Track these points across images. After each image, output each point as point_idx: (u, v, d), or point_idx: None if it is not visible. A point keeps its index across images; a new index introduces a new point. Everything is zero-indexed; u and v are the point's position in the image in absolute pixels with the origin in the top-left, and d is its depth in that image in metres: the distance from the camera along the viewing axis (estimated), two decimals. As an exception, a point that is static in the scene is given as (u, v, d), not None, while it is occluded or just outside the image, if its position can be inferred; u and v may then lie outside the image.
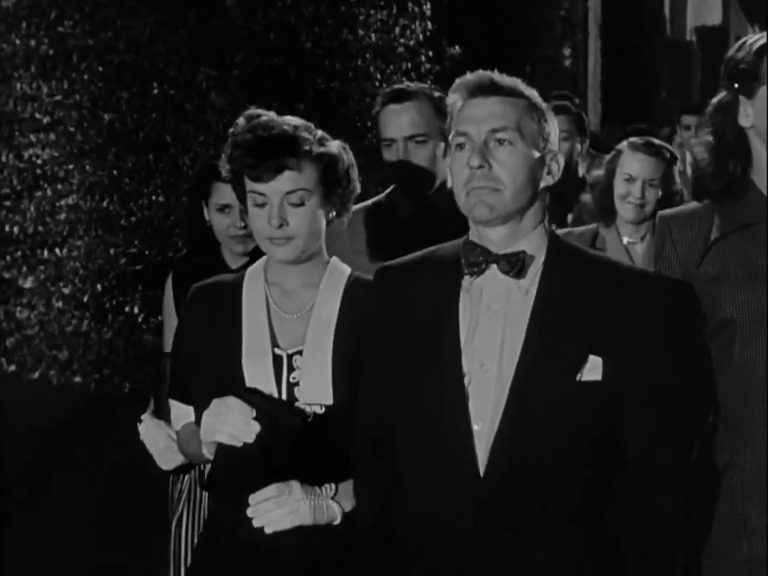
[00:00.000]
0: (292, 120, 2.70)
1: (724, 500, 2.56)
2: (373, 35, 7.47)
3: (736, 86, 2.52)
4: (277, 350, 2.69)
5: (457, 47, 8.40)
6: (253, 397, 2.59)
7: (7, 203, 7.55)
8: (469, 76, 2.53)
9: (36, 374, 7.40)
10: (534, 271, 2.48)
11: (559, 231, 4.69)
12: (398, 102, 3.64)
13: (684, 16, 25.17)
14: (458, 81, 2.53)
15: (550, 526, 2.43)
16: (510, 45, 11.16)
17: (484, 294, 2.47)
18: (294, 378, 2.66)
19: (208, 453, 2.68)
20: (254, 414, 2.53)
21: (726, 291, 2.53)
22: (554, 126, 2.52)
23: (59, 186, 7.31)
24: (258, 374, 2.66)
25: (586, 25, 16.16)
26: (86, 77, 6.96)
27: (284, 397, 2.65)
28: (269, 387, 2.65)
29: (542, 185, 2.50)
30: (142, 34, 6.79)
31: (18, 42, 7.14)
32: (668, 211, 2.71)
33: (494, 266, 2.46)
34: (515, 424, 2.40)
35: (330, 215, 2.73)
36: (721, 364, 2.57)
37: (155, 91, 6.87)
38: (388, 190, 3.80)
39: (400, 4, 7.73)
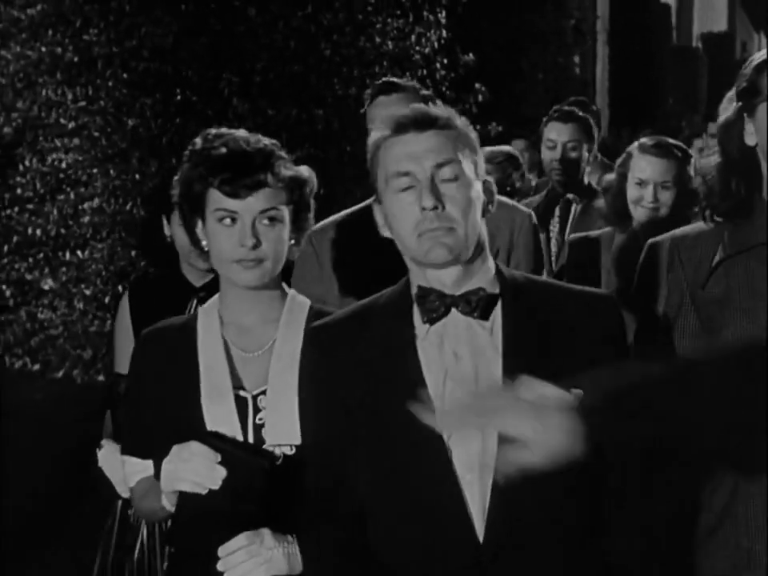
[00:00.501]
0: (263, 138, 2.57)
1: (728, 529, 2.45)
2: (389, 43, 7.61)
3: (739, 104, 2.43)
4: (241, 392, 2.53)
5: (471, 55, 8.50)
6: (217, 441, 2.43)
7: (30, 206, 7.69)
8: (397, 112, 2.38)
9: (60, 373, 7.54)
10: (495, 308, 2.32)
11: (576, 235, 4.67)
12: (387, 94, 3.53)
13: (690, 23, 25.30)
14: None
15: (546, 561, 2.27)
16: (523, 52, 11.30)
17: (446, 341, 2.30)
18: (260, 420, 2.51)
19: (170, 505, 2.52)
20: (219, 459, 2.37)
21: (729, 314, 2.44)
22: (480, 154, 2.39)
23: (82, 190, 7.45)
24: (220, 417, 2.51)
25: (594, 32, 16.30)
26: (110, 83, 7.11)
27: (251, 439, 2.50)
28: (233, 431, 2.50)
29: (486, 215, 2.36)
30: (165, 41, 6.93)
31: (43, 49, 7.28)
32: (676, 232, 2.59)
33: (453, 310, 2.30)
34: (510, 477, 2.17)
35: (292, 242, 2.58)
36: None
37: (178, 97, 7.03)
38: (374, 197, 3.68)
39: (416, 13, 7.87)
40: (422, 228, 2.26)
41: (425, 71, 7.92)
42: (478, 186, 2.32)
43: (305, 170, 2.59)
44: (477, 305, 2.29)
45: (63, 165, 7.50)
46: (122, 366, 3.52)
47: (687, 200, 4.00)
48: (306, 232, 2.62)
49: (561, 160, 5.30)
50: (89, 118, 7.23)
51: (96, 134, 7.22)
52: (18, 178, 7.71)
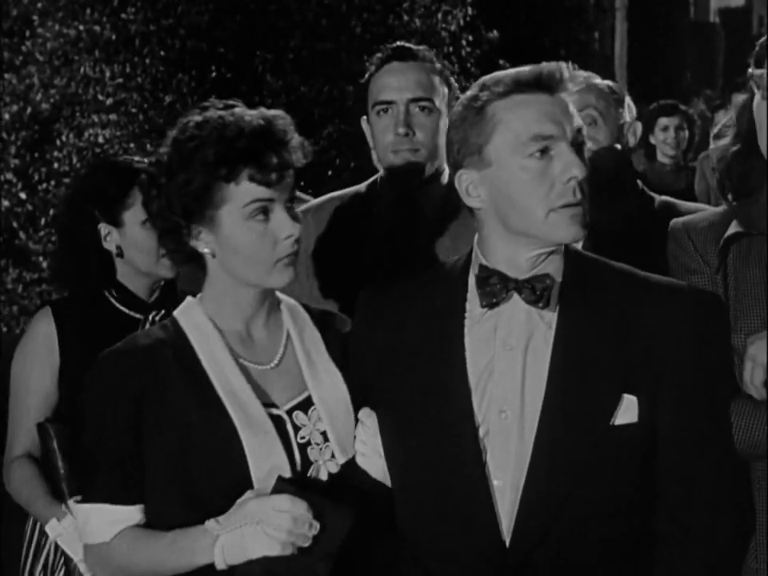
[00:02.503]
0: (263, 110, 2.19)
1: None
2: (417, 20, 7.81)
3: (752, 83, 2.32)
4: (274, 411, 2.18)
5: (495, 32, 8.69)
6: (294, 487, 2.09)
7: (67, 180, 7.86)
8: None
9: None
10: (554, 297, 2.10)
11: None
12: (403, 61, 2.95)
13: (708, -2, 25.31)
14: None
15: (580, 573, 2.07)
16: (545, 30, 11.48)
17: (499, 328, 2.09)
18: (302, 438, 2.18)
19: (224, 563, 2.10)
20: (313, 512, 2.05)
21: (742, 314, 2.25)
22: None
23: (117, 164, 7.65)
24: (260, 444, 2.14)
25: (613, 9, 16.42)
26: (147, 60, 7.32)
27: (298, 462, 2.17)
28: (279, 459, 2.15)
29: None
30: (201, 20, 7.15)
31: (81, 27, 7.49)
32: (683, 219, 2.40)
33: (515, 295, 2.08)
34: (543, 482, 2.04)
35: None
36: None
37: (213, 74, 7.24)
38: (372, 179, 3.08)
39: (442, -9, 8.09)
40: (560, 201, 2.03)
41: (451, 48, 8.11)
42: None
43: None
44: (542, 294, 2.07)
45: (100, 140, 7.68)
46: (40, 408, 2.91)
47: None
48: None
49: None
50: (126, 95, 7.43)
51: (133, 110, 7.42)
52: (55, 153, 7.85)
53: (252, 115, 2.14)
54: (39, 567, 2.89)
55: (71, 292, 3.04)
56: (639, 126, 3.10)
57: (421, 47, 3.02)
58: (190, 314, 2.23)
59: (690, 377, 2.08)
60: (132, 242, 2.92)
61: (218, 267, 2.20)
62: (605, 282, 2.12)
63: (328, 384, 2.23)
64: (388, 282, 2.30)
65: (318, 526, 2.04)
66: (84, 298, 2.97)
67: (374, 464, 2.21)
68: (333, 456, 2.20)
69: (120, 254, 2.94)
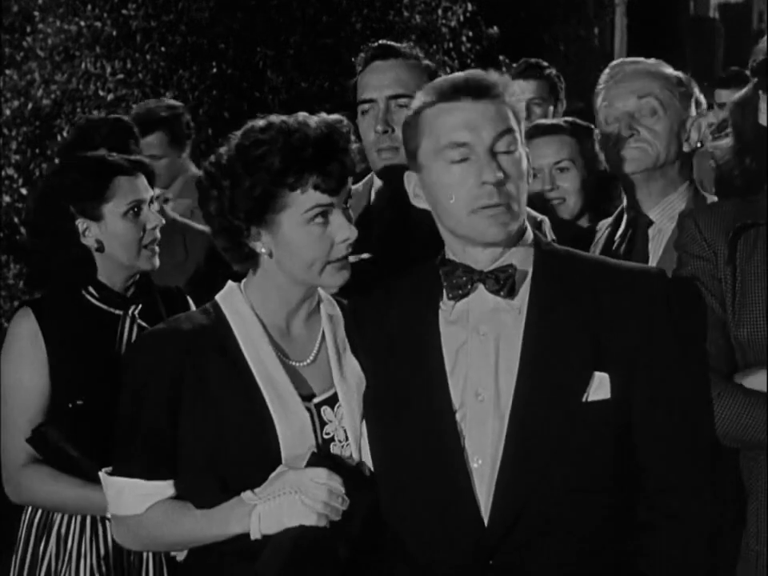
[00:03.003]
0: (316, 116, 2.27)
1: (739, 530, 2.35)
2: (417, 16, 7.82)
3: (755, 80, 2.37)
4: (305, 404, 2.26)
5: (495, 28, 8.70)
6: (327, 462, 2.18)
7: (68, 176, 7.90)
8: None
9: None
10: (524, 286, 2.19)
11: None
12: (385, 59, 2.98)
13: (708, -7, 25.30)
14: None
15: (569, 567, 2.14)
16: (545, 25, 11.50)
17: (471, 317, 2.19)
18: (327, 434, 2.26)
19: (259, 533, 2.17)
20: (345, 487, 2.15)
21: (745, 308, 2.31)
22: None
23: (118, 160, 7.66)
24: (293, 433, 2.22)
25: (613, 4, 16.43)
26: (148, 56, 7.33)
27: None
28: (308, 447, 2.23)
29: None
30: (201, 15, 7.17)
31: (82, 23, 7.49)
32: (691, 208, 2.43)
33: (480, 286, 2.18)
34: (518, 460, 2.11)
35: None
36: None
37: (214, 70, 7.26)
38: (368, 177, 3.14)
39: (442, -14, 8.09)
40: (478, 204, 2.14)
41: (451, 44, 8.12)
42: (525, 157, 2.21)
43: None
44: (504, 283, 2.16)
45: (101, 135, 7.69)
46: (38, 408, 2.83)
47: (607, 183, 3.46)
48: None
49: None
50: (127, 91, 7.43)
51: (134, 106, 7.43)
52: (56, 149, 7.88)
53: (316, 122, 2.21)
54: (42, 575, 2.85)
55: (49, 292, 2.96)
56: (705, 123, 3.03)
57: (404, 45, 3.05)
58: (232, 301, 2.30)
59: (661, 357, 2.16)
60: (114, 235, 2.89)
61: (273, 265, 2.26)
62: (576, 270, 2.21)
63: (352, 383, 2.30)
64: (376, 284, 2.38)
65: (349, 502, 2.13)
66: (62, 297, 2.91)
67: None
68: (351, 455, 2.27)
69: (100, 249, 2.90)
